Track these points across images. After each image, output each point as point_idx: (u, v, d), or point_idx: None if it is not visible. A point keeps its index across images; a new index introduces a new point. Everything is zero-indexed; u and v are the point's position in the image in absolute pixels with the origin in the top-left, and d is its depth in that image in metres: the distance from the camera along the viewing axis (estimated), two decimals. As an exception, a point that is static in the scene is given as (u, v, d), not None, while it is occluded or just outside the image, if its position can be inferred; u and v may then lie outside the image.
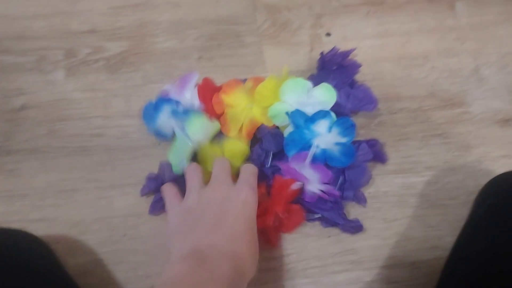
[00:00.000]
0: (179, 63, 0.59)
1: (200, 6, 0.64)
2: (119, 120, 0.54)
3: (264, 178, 0.49)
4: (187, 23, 0.62)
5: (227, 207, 0.40)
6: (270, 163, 0.49)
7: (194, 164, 0.46)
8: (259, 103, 0.50)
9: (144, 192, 0.49)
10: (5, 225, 0.43)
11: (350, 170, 0.48)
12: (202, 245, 0.37)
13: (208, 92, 0.51)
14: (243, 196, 0.41)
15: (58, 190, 0.50)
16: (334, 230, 0.48)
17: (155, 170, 0.50)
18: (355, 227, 0.47)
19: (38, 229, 0.44)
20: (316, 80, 0.53)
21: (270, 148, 0.49)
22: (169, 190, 0.45)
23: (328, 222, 0.48)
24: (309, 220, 0.48)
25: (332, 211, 0.47)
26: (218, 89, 0.52)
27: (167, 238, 0.42)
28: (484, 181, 0.44)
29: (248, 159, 0.50)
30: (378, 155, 0.51)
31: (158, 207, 0.48)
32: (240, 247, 0.38)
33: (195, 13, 0.63)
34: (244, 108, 0.50)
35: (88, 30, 0.61)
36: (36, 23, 0.61)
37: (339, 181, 0.49)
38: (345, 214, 0.48)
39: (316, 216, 0.48)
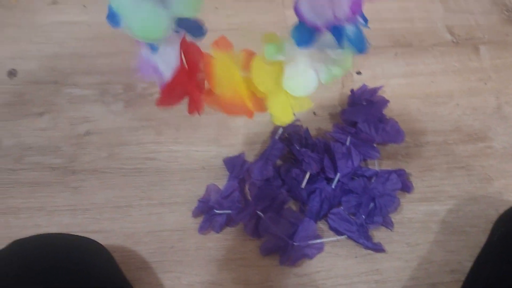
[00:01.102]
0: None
1: (244, 48, 0.71)
2: (169, 146, 0.61)
3: (300, 199, 0.54)
4: (231, 61, 0.70)
5: None
6: (305, 184, 0.54)
7: None
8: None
9: (195, 214, 0.54)
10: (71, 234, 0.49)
11: (381, 198, 0.53)
12: None
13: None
14: None
15: (115, 205, 0.56)
16: (361, 251, 0.52)
17: (199, 191, 0.56)
18: (377, 250, 0.52)
19: (97, 240, 0.50)
20: (346, 114, 0.59)
21: (309, 169, 0.54)
22: None
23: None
24: (332, 240, 0.53)
25: (358, 233, 0.51)
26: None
27: None
28: (503, 211, 0.47)
29: (285, 178, 0.55)
30: (404, 184, 0.56)
31: (205, 227, 0.53)
32: None
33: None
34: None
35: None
36: (100, 61, 0.69)
37: (370, 207, 0.53)
38: (369, 236, 0.52)
39: (342, 236, 0.52)
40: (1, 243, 0.44)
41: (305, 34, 0.40)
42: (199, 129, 0.63)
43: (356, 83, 0.66)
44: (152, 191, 0.57)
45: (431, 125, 0.62)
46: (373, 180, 0.55)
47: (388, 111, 0.61)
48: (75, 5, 0.78)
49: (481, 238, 0.51)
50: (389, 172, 0.55)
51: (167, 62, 0.42)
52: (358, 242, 0.52)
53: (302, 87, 0.43)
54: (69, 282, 0.40)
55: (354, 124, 0.58)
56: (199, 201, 0.55)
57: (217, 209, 0.53)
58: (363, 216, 0.52)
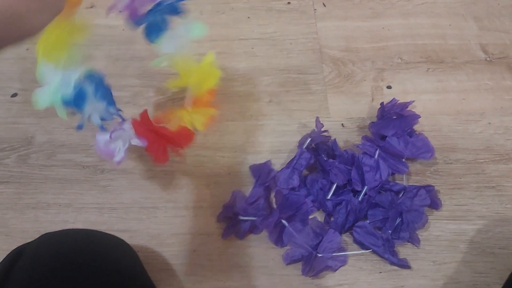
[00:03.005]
0: (251, 105, 0.66)
1: (273, 57, 0.72)
2: (197, 150, 0.62)
3: (326, 210, 0.53)
4: (261, 70, 0.70)
5: None
6: (331, 195, 0.54)
7: None
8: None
9: (220, 219, 0.55)
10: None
11: (408, 213, 0.52)
12: None
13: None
14: None
15: (141, 206, 0.57)
16: (386, 267, 0.51)
17: (224, 196, 0.57)
18: (402, 266, 0.51)
19: (122, 239, 0.51)
20: (376, 127, 0.58)
21: (336, 180, 0.54)
22: None
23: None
24: (356, 253, 0.52)
25: (383, 247, 0.51)
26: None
27: None
28: (535, 233, 0.46)
29: (311, 188, 0.55)
30: (433, 201, 0.55)
31: (229, 233, 0.53)
32: None
33: (269, 63, 0.71)
34: None
35: (175, 72, 0.70)
36: (134, 64, 0.71)
37: (396, 222, 0.52)
38: (395, 252, 0.51)
39: (367, 250, 0.52)
40: (30, 236, 0.45)
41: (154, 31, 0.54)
42: (225, 135, 0.63)
43: (386, 97, 0.66)
44: (178, 194, 0.58)
45: (461, 143, 0.61)
46: (401, 195, 0.54)
47: (418, 127, 0.61)
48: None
49: (511, 261, 0.50)
50: (418, 188, 0.54)
51: (121, 141, 0.52)
52: (383, 257, 0.51)
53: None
54: (96, 277, 0.41)
55: (383, 137, 0.58)
56: (224, 206, 0.55)
57: (242, 215, 0.53)
58: (389, 231, 0.52)
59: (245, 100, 0.67)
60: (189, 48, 0.56)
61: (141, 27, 0.54)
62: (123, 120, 0.53)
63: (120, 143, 0.53)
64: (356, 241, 0.53)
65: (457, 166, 0.59)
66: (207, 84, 0.57)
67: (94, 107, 0.51)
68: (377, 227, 0.53)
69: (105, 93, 0.52)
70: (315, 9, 0.76)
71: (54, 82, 0.48)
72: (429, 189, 0.54)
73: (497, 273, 0.50)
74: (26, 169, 0.61)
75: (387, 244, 0.51)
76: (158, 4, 0.52)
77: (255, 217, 0.53)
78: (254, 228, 0.53)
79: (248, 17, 0.78)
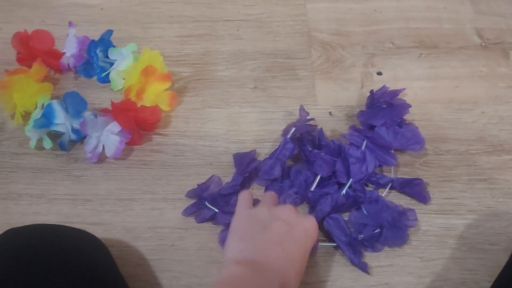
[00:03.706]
0: (235, 91, 0.63)
1: (259, 40, 0.68)
2: (177, 139, 0.59)
3: (308, 201, 0.51)
4: (246, 54, 0.67)
5: (293, 231, 0.41)
6: (315, 187, 0.51)
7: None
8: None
9: (189, 195, 0.53)
10: (67, 225, 0.47)
11: (390, 229, 0.49)
12: (261, 257, 0.39)
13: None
14: (308, 226, 0.43)
15: (117, 198, 0.54)
16: (370, 263, 0.49)
17: (205, 188, 0.54)
18: (361, 269, 0.48)
19: (96, 232, 0.48)
20: (364, 116, 0.56)
21: (321, 172, 0.51)
22: (245, 195, 0.47)
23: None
24: (322, 245, 0.50)
25: (349, 246, 0.48)
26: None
27: (228, 236, 0.44)
28: (527, 229, 0.44)
29: (295, 180, 0.52)
30: (420, 195, 0.52)
31: (190, 211, 0.52)
32: (292, 272, 0.39)
33: (254, 46, 0.68)
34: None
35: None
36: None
37: (374, 231, 0.50)
38: (360, 252, 0.49)
39: (333, 244, 0.50)
40: (-1, 229, 0.42)
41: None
42: (207, 123, 0.60)
43: (376, 83, 0.63)
44: (156, 185, 0.55)
45: (453, 133, 0.59)
46: (388, 187, 0.52)
47: (408, 116, 0.58)
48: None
49: (502, 258, 0.48)
50: (409, 209, 0.50)
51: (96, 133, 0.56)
52: (345, 254, 0.49)
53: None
54: (60, 275, 0.39)
55: (371, 127, 0.55)
56: (198, 185, 0.53)
57: (208, 202, 0.51)
58: (362, 236, 0.49)
59: (228, 86, 0.64)
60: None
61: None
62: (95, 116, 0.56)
63: (96, 135, 0.55)
64: (325, 231, 0.50)
65: (448, 157, 0.57)
66: (153, 69, 0.59)
67: (66, 121, 0.56)
68: (355, 229, 0.50)
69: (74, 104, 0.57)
70: (304, -10, 0.72)
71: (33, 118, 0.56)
72: (417, 183, 0.52)
73: (487, 270, 0.48)
74: (-4, 157, 0.58)
75: (354, 243, 0.49)
76: (92, 46, 0.62)
77: (219, 210, 0.51)
78: (213, 219, 0.51)
79: (234, -3, 0.74)
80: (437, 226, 0.51)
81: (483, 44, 0.67)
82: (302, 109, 0.56)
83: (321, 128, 0.57)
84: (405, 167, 0.56)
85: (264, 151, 0.57)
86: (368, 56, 0.66)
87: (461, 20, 0.70)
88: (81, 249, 0.42)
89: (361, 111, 0.58)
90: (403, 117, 0.56)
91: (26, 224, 0.45)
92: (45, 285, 0.37)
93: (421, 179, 0.53)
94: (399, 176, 0.54)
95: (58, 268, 0.39)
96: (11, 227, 0.43)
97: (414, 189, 0.52)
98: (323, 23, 0.70)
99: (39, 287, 0.36)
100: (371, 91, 0.58)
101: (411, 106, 0.57)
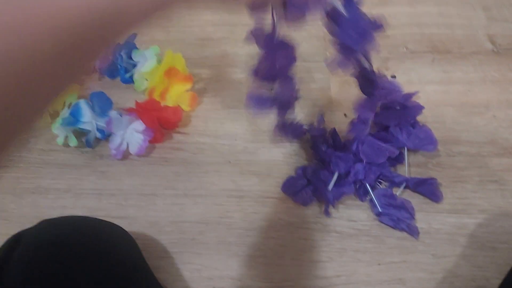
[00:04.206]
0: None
1: (277, 43, 0.70)
2: (197, 138, 0.61)
3: (327, 200, 0.53)
4: (263, 57, 0.69)
5: None
6: (333, 186, 0.54)
7: None
8: None
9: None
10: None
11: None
12: None
13: None
14: None
15: (140, 193, 0.57)
16: (384, 259, 0.51)
17: (223, 185, 0.56)
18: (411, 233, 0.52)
19: (121, 225, 0.50)
20: (379, 118, 0.58)
21: (337, 169, 0.53)
22: None
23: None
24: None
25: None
26: None
27: None
28: (537, 229, 0.46)
29: (311, 179, 0.55)
30: (434, 194, 0.54)
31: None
32: None
33: (272, 49, 0.70)
34: None
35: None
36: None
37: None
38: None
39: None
40: (29, 221, 0.45)
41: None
42: (226, 123, 0.63)
43: (390, 87, 0.65)
44: (177, 182, 0.57)
45: (465, 135, 0.60)
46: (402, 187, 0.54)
47: (421, 118, 0.60)
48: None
49: (511, 256, 0.49)
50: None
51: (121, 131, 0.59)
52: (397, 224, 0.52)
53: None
54: (96, 265, 0.41)
55: (385, 128, 0.57)
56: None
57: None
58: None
59: (246, 87, 0.66)
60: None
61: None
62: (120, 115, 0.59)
63: (121, 133, 0.58)
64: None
65: (460, 159, 0.58)
66: (175, 71, 0.63)
67: (92, 120, 0.59)
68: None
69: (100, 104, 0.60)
70: (320, -5, 0.75)
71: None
72: (431, 182, 0.54)
73: (497, 267, 0.50)
74: (25, 153, 0.60)
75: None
76: (117, 48, 0.65)
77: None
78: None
79: (252, 2, 0.76)
80: (449, 224, 0.53)
81: (495, 50, 0.69)
82: (321, 119, 0.58)
83: (334, 128, 0.59)
84: (418, 167, 0.57)
85: (281, 150, 0.59)
86: (382, 60, 0.68)
87: (474, 26, 0.72)
88: (113, 240, 0.45)
89: (376, 112, 0.60)
90: (417, 119, 0.58)
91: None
92: (82, 274, 0.39)
93: (435, 179, 0.54)
94: (413, 176, 0.56)
95: (94, 259, 0.41)
96: (42, 219, 0.46)
97: (428, 188, 0.54)
98: (338, 28, 0.72)
99: (76, 277, 0.38)
100: (386, 94, 0.60)
101: (424, 108, 0.58)
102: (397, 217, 0.52)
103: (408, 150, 0.57)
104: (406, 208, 0.52)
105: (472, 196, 0.55)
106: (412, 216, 0.52)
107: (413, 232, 0.52)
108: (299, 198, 0.54)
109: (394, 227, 0.52)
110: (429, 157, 0.58)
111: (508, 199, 0.55)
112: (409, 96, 0.59)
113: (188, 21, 0.74)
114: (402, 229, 0.52)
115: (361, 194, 0.54)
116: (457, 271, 0.50)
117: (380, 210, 0.52)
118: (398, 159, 0.56)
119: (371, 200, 0.53)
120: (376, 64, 0.67)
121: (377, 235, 0.53)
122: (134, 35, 0.66)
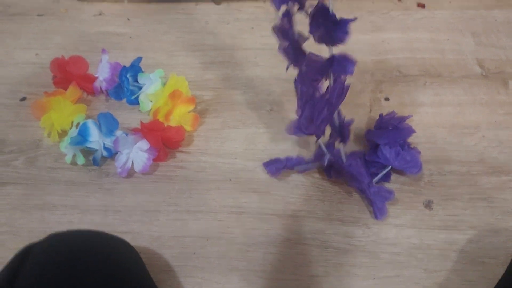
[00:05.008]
0: (252, 113, 0.69)
1: (275, 67, 0.74)
2: (199, 156, 0.64)
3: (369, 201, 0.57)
4: (262, 79, 0.73)
5: None
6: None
7: None
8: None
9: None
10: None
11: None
12: None
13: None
14: None
15: (144, 209, 0.59)
16: (379, 273, 0.53)
17: (224, 202, 0.59)
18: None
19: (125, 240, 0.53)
20: (371, 135, 0.61)
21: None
22: None
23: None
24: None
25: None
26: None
27: None
28: (523, 244, 0.48)
29: (353, 179, 0.58)
30: (380, 208, 0.57)
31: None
32: None
33: (270, 72, 0.74)
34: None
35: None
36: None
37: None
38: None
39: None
40: (37, 236, 0.47)
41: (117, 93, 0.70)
42: (227, 142, 0.65)
43: (384, 108, 0.68)
44: (180, 198, 0.60)
45: (456, 155, 0.63)
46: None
47: (414, 138, 0.62)
48: (120, 17, 0.83)
49: (500, 270, 0.51)
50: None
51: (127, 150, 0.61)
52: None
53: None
54: (103, 278, 0.42)
55: (376, 145, 0.60)
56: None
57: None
58: None
59: (246, 108, 0.69)
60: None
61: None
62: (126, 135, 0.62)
63: (126, 152, 0.61)
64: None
65: (451, 177, 0.61)
66: (179, 93, 0.65)
67: (99, 139, 0.62)
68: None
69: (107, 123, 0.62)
70: (317, 22, 0.78)
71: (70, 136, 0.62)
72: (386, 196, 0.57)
73: (486, 281, 0.52)
74: (34, 171, 0.63)
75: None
76: (123, 71, 0.68)
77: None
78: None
79: (252, 28, 0.80)
80: (440, 240, 0.55)
81: (484, 74, 0.72)
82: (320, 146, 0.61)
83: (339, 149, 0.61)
84: (410, 185, 0.60)
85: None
86: (376, 83, 0.71)
87: (463, 51, 0.75)
88: (119, 254, 0.46)
89: (369, 129, 0.63)
90: (408, 141, 0.61)
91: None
92: (90, 286, 0.41)
93: (392, 192, 0.57)
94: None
95: (101, 272, 0.42)
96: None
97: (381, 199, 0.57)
98: (334, 52, 0.76)
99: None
100: (381, 115, 0.63)
101: (415, 132, 0.61)
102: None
103: (393, 170, 0.60)
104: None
105: (463, 213, 0.57)
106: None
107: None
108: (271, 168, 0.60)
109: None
110: (421, 176, 0.61)
111: (496, 216, 0.57)
112: (403, 119, 0.62)
113: (191, 46, 0.78)
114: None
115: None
116: (448, 285, 0.52)
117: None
118: (385, 178, 0.59)
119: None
120: (371, 86, 0.71)
121: (372, 250, 0.55)
122: (140, 59, 0.69)
